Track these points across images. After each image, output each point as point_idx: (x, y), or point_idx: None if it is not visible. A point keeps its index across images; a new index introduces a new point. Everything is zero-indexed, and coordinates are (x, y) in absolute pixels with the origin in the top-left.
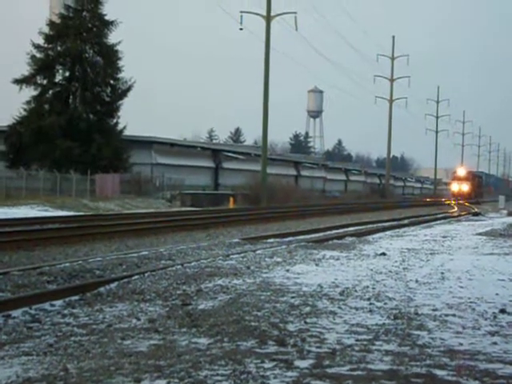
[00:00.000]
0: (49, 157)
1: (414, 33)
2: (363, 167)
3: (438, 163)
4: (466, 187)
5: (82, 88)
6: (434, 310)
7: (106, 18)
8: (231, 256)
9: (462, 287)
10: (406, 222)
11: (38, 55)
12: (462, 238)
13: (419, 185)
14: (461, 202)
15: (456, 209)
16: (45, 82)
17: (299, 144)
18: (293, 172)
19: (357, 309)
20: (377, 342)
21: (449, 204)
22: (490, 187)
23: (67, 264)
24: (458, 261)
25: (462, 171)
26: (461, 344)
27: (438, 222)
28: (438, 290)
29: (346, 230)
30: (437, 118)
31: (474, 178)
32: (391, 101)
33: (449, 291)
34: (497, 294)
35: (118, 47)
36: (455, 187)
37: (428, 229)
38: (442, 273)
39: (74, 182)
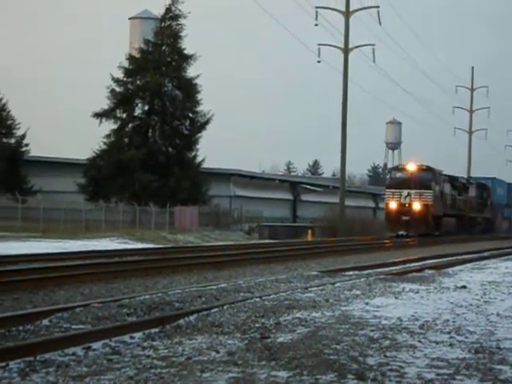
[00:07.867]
0: (128, 189)
1: (493, 63)
2: None
3: None
4: (417, 205)
5: (161, 121)
6: None
7: (185, 51)
8: (310, 289)
9: None
10: (486, 254)
11: (118, 89)
12: None
13: None
14: (404, 238)
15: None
16: (124, 115)
17: (377, 176)
18: (371, 204)
19: (437, 342)
20: (458, 377)
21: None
22: None
23: (147, 296)
24: None
25: (411, 167)
26: None
27: None
28: None
29: (424, 262)
30: None
31: (463, 187)
32: (470, 132)
33: None
34: None
35: (197, 80)
36: (392, 205)
37: (509, 261)
38: None
39: (153, 215)
